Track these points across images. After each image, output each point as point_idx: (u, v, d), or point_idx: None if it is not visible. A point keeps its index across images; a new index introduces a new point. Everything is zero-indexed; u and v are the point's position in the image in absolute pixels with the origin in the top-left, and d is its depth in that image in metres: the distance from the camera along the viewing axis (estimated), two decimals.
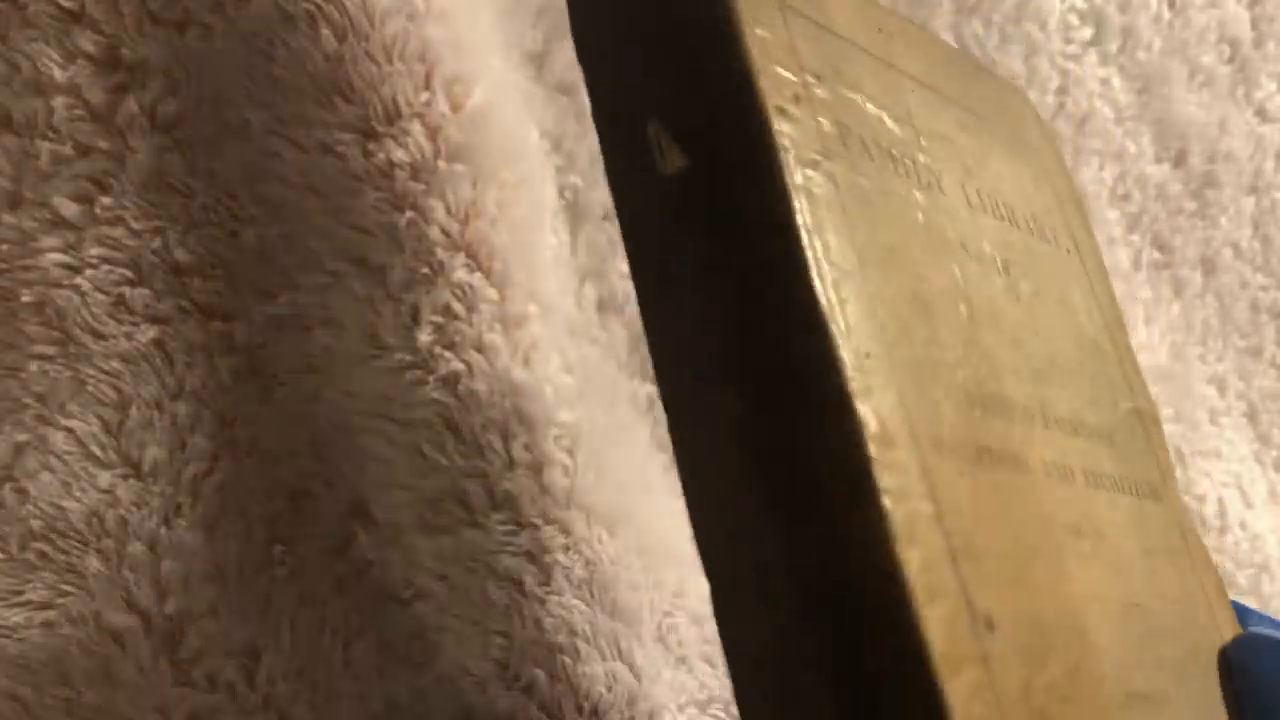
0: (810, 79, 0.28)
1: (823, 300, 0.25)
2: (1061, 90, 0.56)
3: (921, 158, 0.31)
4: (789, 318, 0.25)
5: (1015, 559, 0.27)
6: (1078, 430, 0.32)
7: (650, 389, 0.46)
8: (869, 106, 0.30)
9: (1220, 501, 0.59)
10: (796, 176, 0.26)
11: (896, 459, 0.25)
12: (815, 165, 0.27)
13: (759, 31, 0.27)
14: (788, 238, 0.26)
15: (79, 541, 0.39)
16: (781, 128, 0.26)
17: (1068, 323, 0.35)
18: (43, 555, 0.39)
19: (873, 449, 0.24)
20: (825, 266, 0.26)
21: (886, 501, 0.24)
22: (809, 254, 0.26)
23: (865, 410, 0.24)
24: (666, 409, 0.27)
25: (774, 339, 0.26)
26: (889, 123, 0.31)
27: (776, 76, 0.27)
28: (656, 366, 0.28)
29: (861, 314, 0.26)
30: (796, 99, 0.28)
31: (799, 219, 0.26)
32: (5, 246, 0.38)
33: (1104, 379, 0.36)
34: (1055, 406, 0.31)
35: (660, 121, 0.27)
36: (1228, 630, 0.35)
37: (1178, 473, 0.49)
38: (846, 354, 0.25)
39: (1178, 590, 0.33)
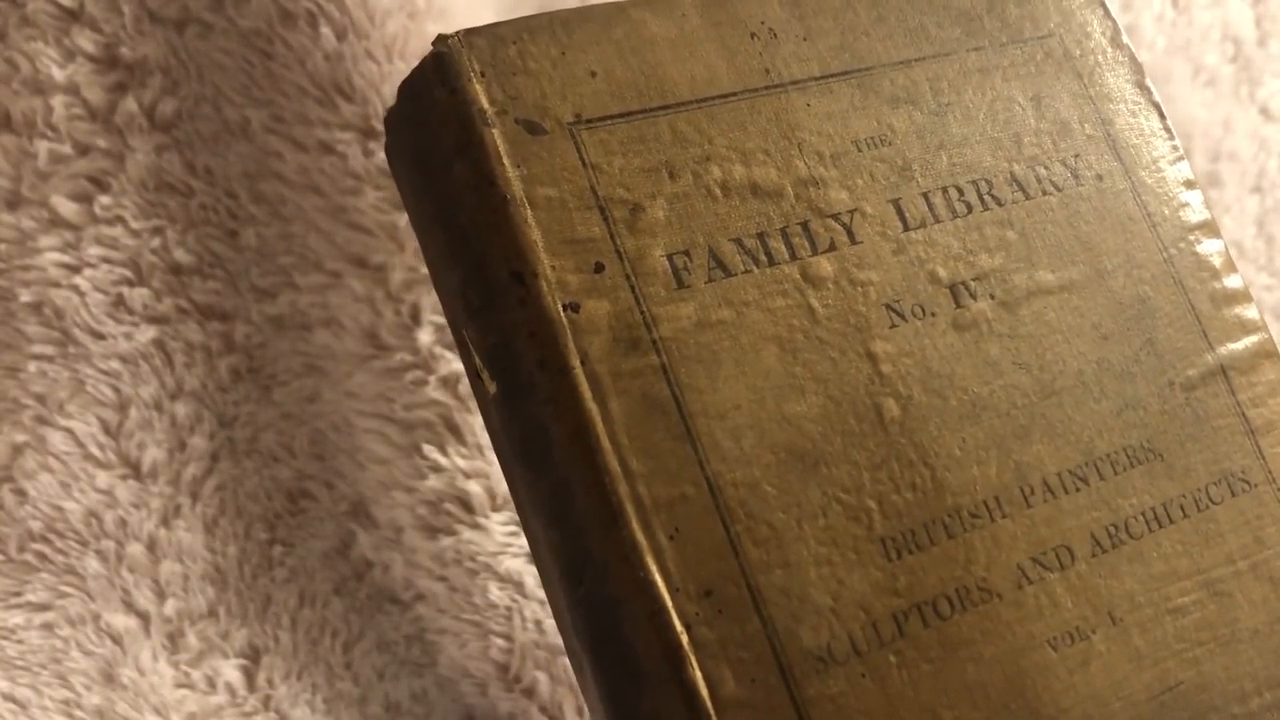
0: (614, 217, 0.25)
1: (641, 544, 0.23)
2: None
3: (822, 205, 0.27)
4: (606, 562, 0.23)
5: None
6: (1086, 478, 0.27)
7: None
8: (717, 194, 0.26)
9: None
10: (591, 401, 0.23)
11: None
12: (615, 370, 0.24)
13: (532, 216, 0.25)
14: (594, 476, 0.23)
15: (78, 542, 0.39)
16: (571, 344, 0.24)
17: (1095, 296, 0.29)
18: (42, 556, 0.39)
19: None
20: (643, 505, 0.23)
21: None
22: (620, 495, 0.23)
23: (695, 677, 0.22)
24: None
25: (597, 592, 0.23)
26: (755, 203, 0.26)
27: (563, 259, 0.24)
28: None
29: (694, 542, 0.23)
30: (598, 268, 0.24)
31: (604, 445, 0.23)
32: (3, 246, 0.38)
33: (1150, 355, 0.30)
34: (1045, 465, 0.27)
35: (467, 334, 0.25)
36: None
37: None
38: (674, 614, 0.22)
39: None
